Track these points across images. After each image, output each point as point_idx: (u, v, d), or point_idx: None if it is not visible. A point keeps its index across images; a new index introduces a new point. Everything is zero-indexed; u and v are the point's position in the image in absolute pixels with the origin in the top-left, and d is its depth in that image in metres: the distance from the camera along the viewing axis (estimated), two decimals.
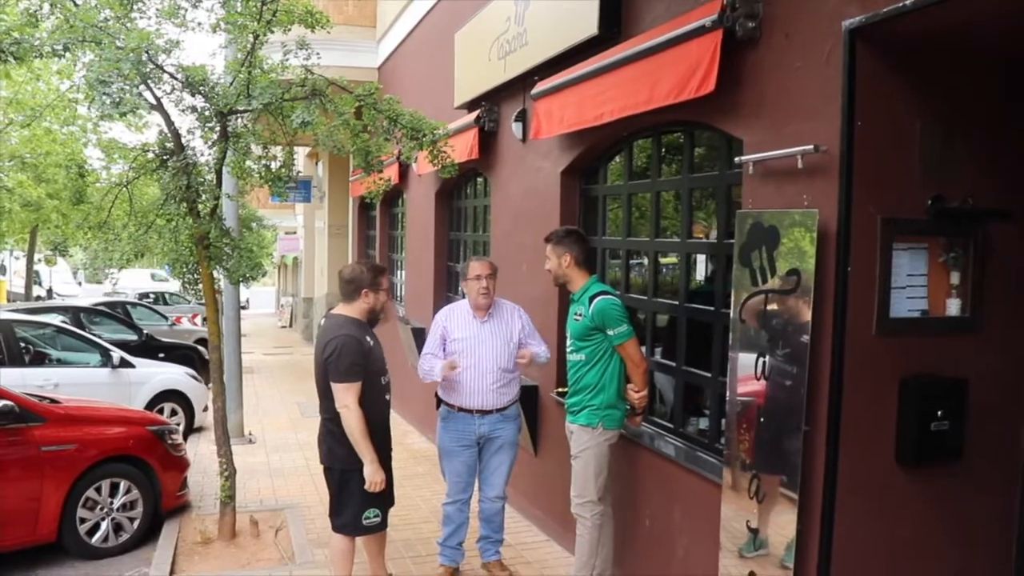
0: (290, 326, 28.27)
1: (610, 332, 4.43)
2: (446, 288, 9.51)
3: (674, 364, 4.83)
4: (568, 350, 4.67)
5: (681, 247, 4.78)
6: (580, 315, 4.54)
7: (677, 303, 4.81)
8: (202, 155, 5.70)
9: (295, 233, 28.96)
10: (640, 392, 4.52)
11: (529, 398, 6.24)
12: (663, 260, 5.40)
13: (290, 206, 26.49)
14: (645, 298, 5.17)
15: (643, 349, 4.84)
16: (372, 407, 4.39)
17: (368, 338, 4.43)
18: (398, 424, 10.12)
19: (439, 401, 5.21)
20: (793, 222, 3.52)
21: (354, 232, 15.13)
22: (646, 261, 5.30)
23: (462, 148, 7.21)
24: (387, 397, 4.53)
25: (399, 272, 12.34)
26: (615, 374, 4.52)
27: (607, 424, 4.53)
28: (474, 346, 5.02)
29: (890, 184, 3.47)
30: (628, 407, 4.63)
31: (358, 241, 14.86)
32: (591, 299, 4.47)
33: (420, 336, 9.07)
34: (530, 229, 6.48)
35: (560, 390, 5.95)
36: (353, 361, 4.25)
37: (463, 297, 5.28)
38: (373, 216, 13.96)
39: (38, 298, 25.97)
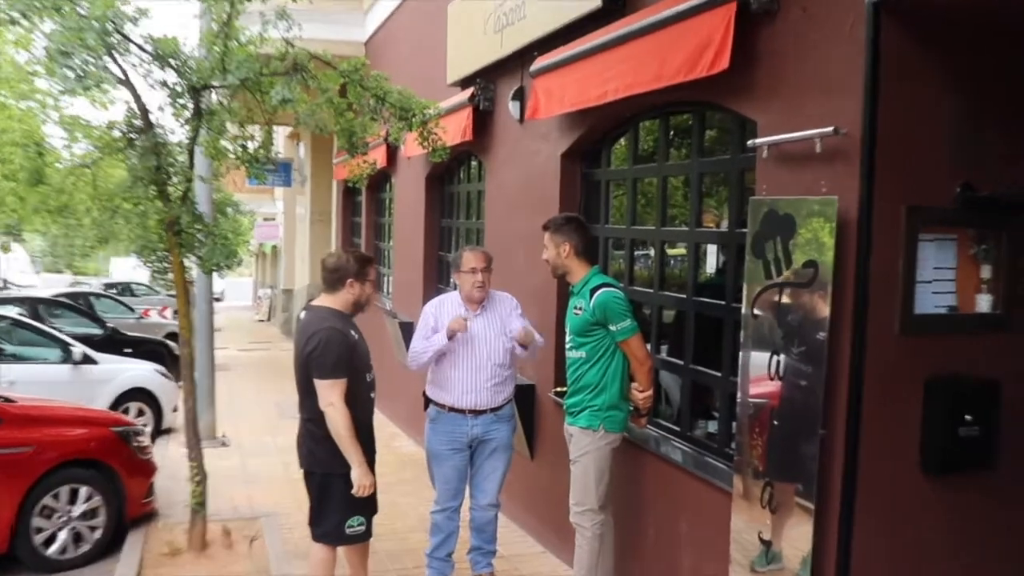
0: (268, 320, 28.25)
1: (612, 327, 4.43)
2: (437, 279, 9.50)
3: (681, 362, 4.83)
4: (567, 347, 4.67)
5: (690, 237, 4.78)
6: (580, 309, 4.54)
7: (685, 297, 4.81)
8: (173, 134, 5.68)
9: (274, 219, 28.95)
10: (645, 392, 4.52)
11: (525, 398, 6.24)
12: (670, 251, 5.39)
13: (269, 190, 26.52)
14: (651, 291, 5.17)
15: (648, 346, 4.84)
16: (357, 406, 4.38)
17: (353, 332, 4.43)
18: (383, 426, 10.13)
19: (427, 401, 5.21)
20: (810, 210, 3.52)
21: (338, 219, 15.11)
22: (652, 252, 5.29)
23: (455, 129, 7.19)
24: (372, 396, 4.53)
25: (386, 262, 12.33)
26: (618, 373, 4.53)
27: (609, 426, 4.54)
28: (466, 340, 5.02)
29: (916, 170, 3.47)
30: (632, 408, 4.64)
31: (342, 228, 14.83)
32: (592, 292, 4.48)
33: (408, 331, 9.05)
34: (527, 216, 6.47)
35: (559, 389, 5.95)
36: (339, 356, 4.26)
37: (454, 288, 5.29)
38: (359, 202, 13.94)
39: None
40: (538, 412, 6.33)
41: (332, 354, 4.24)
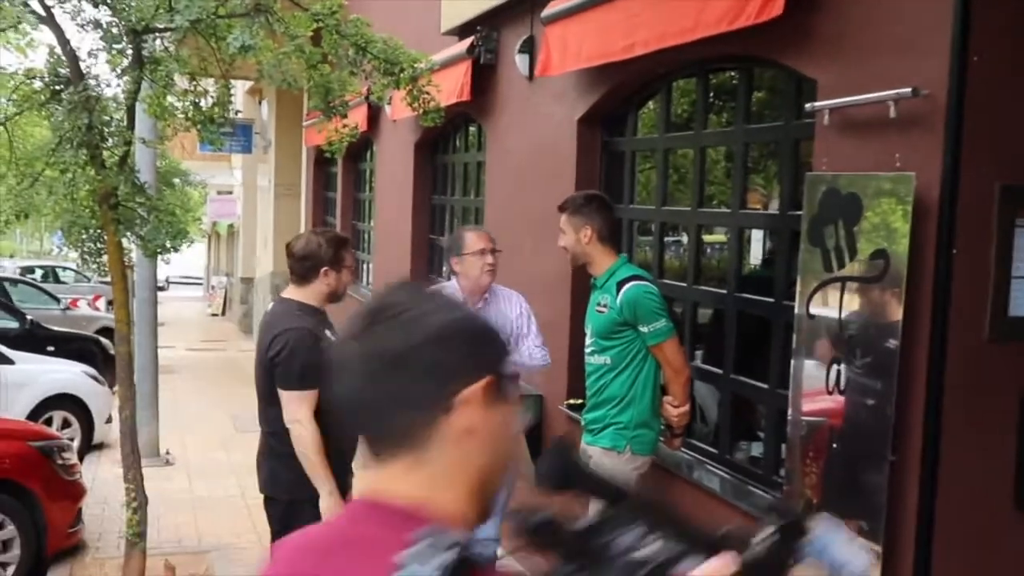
0: (223, 314, 28.30)
1: (644, 328, 4.44)
2: (427, 267, 9.52)
3: (720, 372, 4.84)
4: (587, 350, 4.69)
5: (732, 220, 4.77)
6: (605, 306, 4.56)
7: (725, 292, 4.81)
8: (108, 86, 5.64)
9: (231, 193, 28.94)
10: (680, 407, 4.54)
11: (531, 411, 6.26)
12: (708, 237, 5.40)
13: (225, 157, 26.47)
14: (684, 285, 5.18)
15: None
16: (330, 422, 4.36)
17: (328, 332, 4.42)
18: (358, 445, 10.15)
19: None
20: (880, 189, 3.49)
21: (308, 193, 15.12)
22: (686, 238, 5.30)
23: (450, 87, 7.17)
24: None
25: (366, 246, 12.34)
26: (648, 383, 4.54)
27: (637, 448, 4.54)
28: None
29: (1012, 141, 3.44)
30: (663, 426, 4.65)
31: (313, 205, 14.86)
32: (620, 285, 4.50)
33: None
34: (537, 193, 6.47)
35: (573, 401, 5.99)
36: (308, 362, 4.24)
37: (449, 279, 5.29)
38: (333, 173, 13.96)
39: None
40: (547, 429, 6.35)
41: (300, 360, 4.24)
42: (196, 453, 9.97)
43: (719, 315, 4.99)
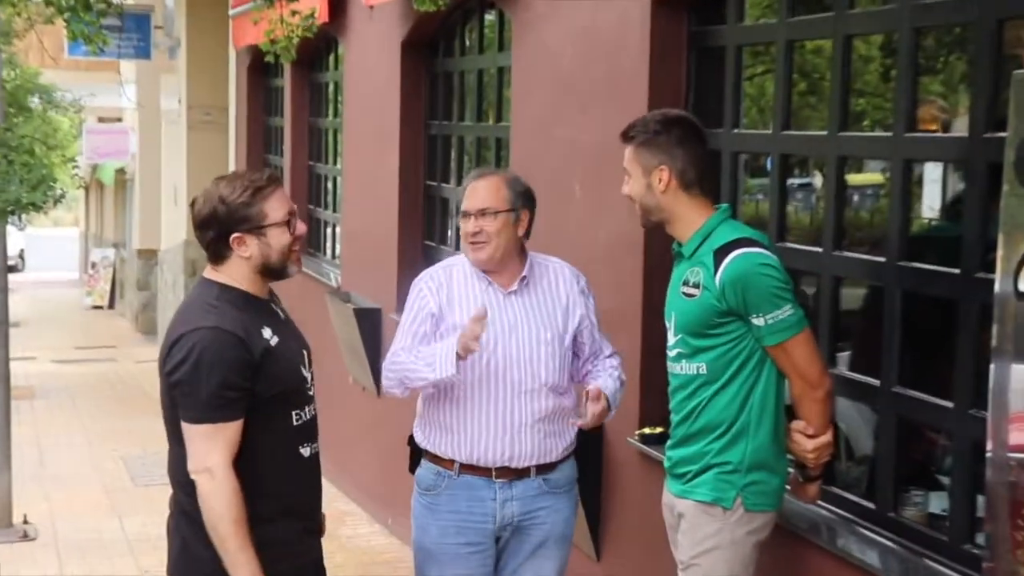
0: (109, 306, 28.45)
1: (758, 320, 4.41)
2: (423, 231, 9.55)
3: (877, 384, 4.83)
4: (671, 354, 4.68)
5: (893, 149, 4.74)
6: (696, 286, 4.53)
7: (883, 261, 4.79)
8: None
9: (120, 121, 29.01)
10: (818, 437, 4.51)
11: (583, 448, 6.18)
12: (856, 178, 5.38)
13: (111, 65, 26.47)
14: (818, 251, 5.17)
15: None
16: (272, 470, 4.37)
17: (265, 329, 4.40)
18: (329, 500, 10.12)
19: (416, 454, 5.29)
20: None
21: (239, 121, 15.09)
22: (820, 180, 5.28)
23: None
24: (305, 450, 4.52)
25: (330, 200, 12.32)
26: (769, 402, 4.53)
27: (753, 501, 4.53)
28: (495, 340, 5.10)
29: None
30: (792, 466, 4.65)
31: (248, 137, 14.86)
32: (719, 254, 4.48)
33: (371, 323, 9.06)
34: (592, 115, 6.48)
35: (649, 431, 6.02)
36: (223, 380, 4.24)
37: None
38: (277, 88, 13.97)
39: None
40: (609, 472, 6.36)
41: (210, 376, 4.22)
42: (70, 521, 10.03)
43: (874, 297, 4.98)
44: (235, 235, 4.37)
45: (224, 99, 16.48)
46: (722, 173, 5.68)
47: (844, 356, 5.20)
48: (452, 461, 5.13)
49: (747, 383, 4.50)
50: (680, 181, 4.60)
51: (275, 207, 4.39)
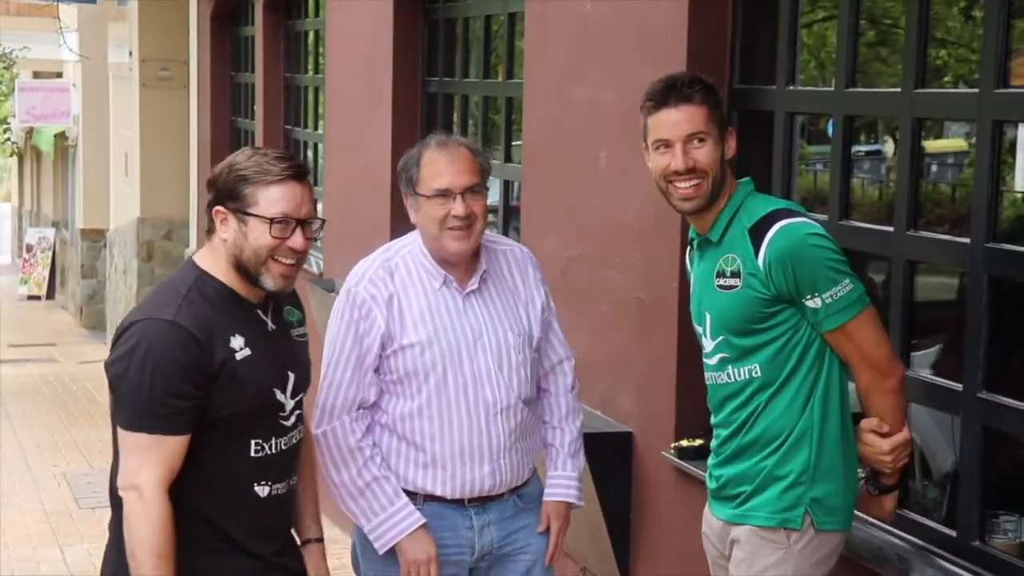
0: (48, 296, 28.44)
1: (814, 301, 4.39)
2: None
3: (959, 388, 4.82)
4: (710, 362, 4.67)
5: (980, 108, 4.73)
6: (735, 275, 4.52)
7: (967, 243, 4.78)
8: None
9: (60, 77, 28.98)
10: (896, 435, 4.50)
11: (611, 462, 6.29)
12: (934, 144, 5.37)
13: (48, 10, 26.39)
14: (889, 231, 5.16)
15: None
16: (220, 504, 4.40)
17: (236, 338, 4.40)
18: None
19: None
20: None
21: (203, 77, 15.08)
22: (890, 146, 5.28)
23: None
24: (262, 489, 4.50)
25: (312, 172, 12.29)
26: (833, 401, 4.52)
27: (823, 519, 4.52)
28: (456, 354, 5.05)
29: None
30: (866, 475, 4.64)
31: (212, 97, 14.85)
32: (757, 231, 4.48)
33: None
34: (615, 67, 6.49)
35: (686, 443, 6.02)
36: (170, 386, 4.24)
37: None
38: (247, 38, 13.96)
39: None
40: (640, 491, 6.39)
41: (154, 378, 4.23)
42: (1, 551, 10.02)
43: (956, 285, 4.96)
44: (218, 207, 4.41)
45: (184, 51, 16.49)
46: (774, 138, 5.68)
47: (920, 356, 5.19)
48: (417, 494, 5.09)
49: (807, 381, 4.48)
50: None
51: (272, 199, 4.35)
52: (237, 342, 4.37)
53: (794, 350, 4.47)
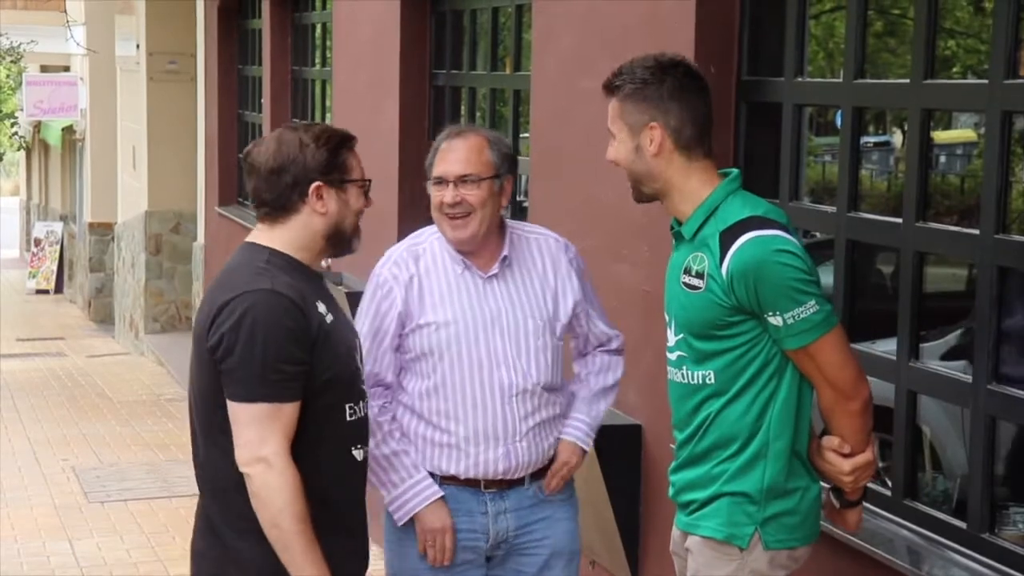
0: (57, 289, 28.42)
1: (775, 319, 4.30)
2: (428, 201, 9.47)
3: (968, 380, 4.81)
4: (671, 356, 4.61)
5: (989, 98, 4.72)
6: (699, 276, 4.43)
7: (977, 235, 4.77)
8: None
9: (67, 71, 28.97)
10: (856, 457, 4.43)
11: (620, 454, 6.30)
12: (943, 135, 5.38)
13: (55, 4, 26.45)
14: (897, 222, 5.16)
15: (886, 346, 4.88)
16: (327, 467, 4.41)
17: (320, 304, 4.46)
18: None
19: None
20: None
21: (211, 70, 15.06)
22: (899, 137, 5.28)
23: None
24: (358, 452, 4.57)
25: None
26: (790, 414, 4.45)
27: (775, 538, 4.45)
28: (472, 335, 5.11)
29: None
30: (829, 487, 4.60)
31: (220, 90, 14.83)
32: (727, 237, 4.39)
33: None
34: (623, 58, 6.33)
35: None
36: (281, 353, 4.28)
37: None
38: (255, 31, 13.94)
39: None
40: (649, 481, 6.40)
41: (267, 346, 4.26)
42: (11, 544, 10.03)
43: (965, 277, 4.97)
44: (316, 183, 4.42)
45: (191, 44, 16.48)
46: (782, 130, 5.68)
47: (929, 347, 5.18)
48: (433, 475, 5.16)
49: (763, 394, 4.40)
50: (675, 142, 4.48)
51: (356, 165, 4.54)
52: (322, 308, 4.45)
53: (751, 363, 4.39)
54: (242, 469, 4.25)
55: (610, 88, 4.58)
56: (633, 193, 4.66)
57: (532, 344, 5.14)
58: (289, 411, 4.26)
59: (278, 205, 4.46)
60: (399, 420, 5.20)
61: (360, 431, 4.58)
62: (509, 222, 5.30)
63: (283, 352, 4.25)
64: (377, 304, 5.18)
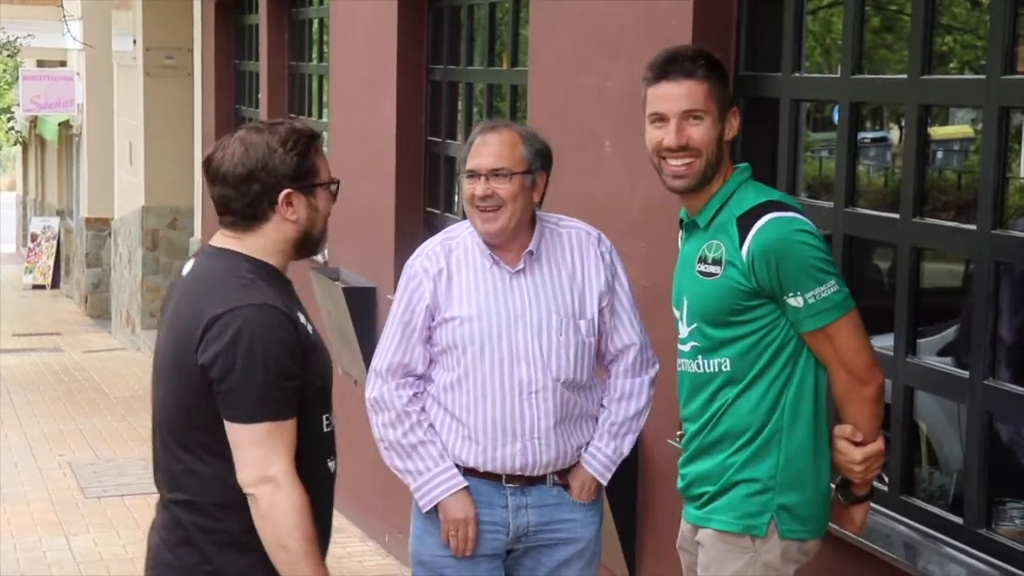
0: (53, 285, 28.40)
1: (796, 300, 4.32)
2: (425, 196, 9.57)
3: (966, 376, 4.81)
4: (683, 348, 4.61)
5: (986, 94, 4.72)
6: (716, 263, 4.46)
7: (974, 230, 4.77)
8: None
9: (63, 66, 28.95)
10: (869, 446, 4.44)
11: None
12: (940, 130, 5.36)
13: None
14: (895, 218, 5.16)
15: (883, 341, 4.85)
16: (307, 480, 4.33)
17: (300, 314, 4.40)
18: None
19: None
20: None
21: (207, 65, 15.05)
22: (896, 133, 5.26)
23: None
24: (332, 464, 4.55)
25: None
26: (805, 404, 4.46)
27: (789, 527, 4.47)
28: (495, 330, 5.12)
29: None
30: (836, 482, 4.58)
31: (217, 85, 14.82)
32: (744, 221, 4.42)
33: (364, 304, 9.09)
34: (620, 54, 6.48)
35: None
36: (283, 370, 4.22)
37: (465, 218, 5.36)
38: (252, 27, 13.93)
39: None
40: (646, 479, 6.40)
41: (267, 363, 4.20)
42: (7, 539, 10.02)
43: (962, 272, 4.97)
44: (286, 191, 4.34)
45: (188, 39, 16.46)
46: (780, 125, 5.67)
47: (926, 343, 5.18)
48: (457, 465, 5.19)
49: (778, 380, 4.42)
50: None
51: (323, 166, 4.44)
52: (303, 318, 4.40)
53: (767, 348, 4.41)
54: (247, 490, 4.19)
55: (690, 69, 4.51)
56: (693, 180, 4.52)
57: (554, 340, 5.15)
58: (290, 427, 4.22)
59: (248, 214, 4.36)
60: (428, 411, 5.26)
61: (332, 443, 4.53)
62: (543, 215, 5.31)
63: (283, 368, 4.21)
64: (408, 296, 5.24)
